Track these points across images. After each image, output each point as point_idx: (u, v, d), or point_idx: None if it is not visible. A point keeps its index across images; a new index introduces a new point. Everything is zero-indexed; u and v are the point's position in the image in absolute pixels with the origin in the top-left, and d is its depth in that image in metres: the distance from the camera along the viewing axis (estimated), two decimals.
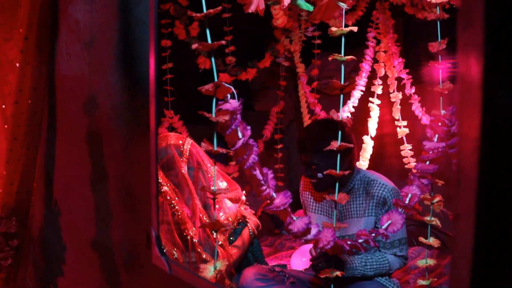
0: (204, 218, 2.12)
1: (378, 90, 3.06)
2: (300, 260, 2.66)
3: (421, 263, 1.59)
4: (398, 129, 2.99)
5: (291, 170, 4.03)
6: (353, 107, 3.09)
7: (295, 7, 2.87)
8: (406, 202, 1.54)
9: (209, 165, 2.24)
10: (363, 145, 3.12)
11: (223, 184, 2.30)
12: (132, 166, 1.56)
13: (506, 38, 0.68)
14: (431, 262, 1.58)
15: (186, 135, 2.72)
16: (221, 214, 2.21)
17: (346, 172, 1.37)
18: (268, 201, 1.27)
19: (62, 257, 2.02)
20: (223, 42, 1.13)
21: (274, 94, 3.56)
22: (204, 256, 2.07)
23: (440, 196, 1.55)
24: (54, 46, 1.90)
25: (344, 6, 1.27)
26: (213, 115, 1.10)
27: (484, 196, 0.68)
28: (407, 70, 2.88)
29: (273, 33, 3.28)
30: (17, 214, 1.98)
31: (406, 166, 2.93)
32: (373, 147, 3.13)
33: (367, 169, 3.03)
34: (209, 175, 2.21)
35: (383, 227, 1.50)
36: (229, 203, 2.30)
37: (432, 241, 1.55)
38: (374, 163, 3.24)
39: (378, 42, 3.06)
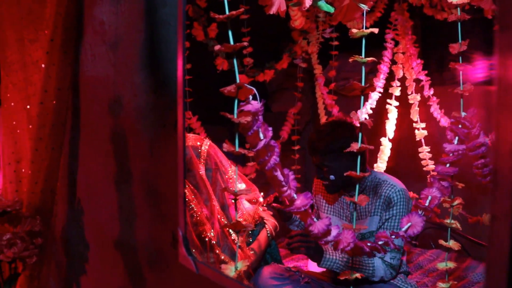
0: (222, 220, 2.13)
1: (396, 91, 3.04)
2: None
3: (441, 265, 1.58)
4: (416, 131, 2.97)
5: (308, 172, 4.03)
6: (371, 108, 3.09)
7: (313, 8, 2.87)
8: (426, 204, 1.53)
9: (227, 166, 2.25)
10: (381, 147, 3.11)
11: (241, 186, 2.31)
12: (157, 166, 1.58)
13: None
14: (451, 265, 1.57)
15: (204, 136, 2.73)
16: (239, 215, 2.22)
17: (366, 174, 1.36)
18: (288, 203, 1.27)
19: (85, 256, 2.04)
20: (245, 43, 1.13)
21: (291, 95, 3.56)
22: (222, 257, 2.08)
23: (460, 199, 1.54)
24: (79, 47, 1.92)
25: (365, 7, 1.26)
26: (235, 116, 1.10)
27: None
28: (426, 72, 2.86)
29: (291, 34, 3.28)
30: (41, 213, 2.01)
31: (424, 169, 2.91)
32: (391, 149, 3.12)
33: (384, 171, 3.03)
34: (227, 176, 2.22)
35: (403, 229, 1.49)
36: (246, 204, 2.31)
37: (452, 244, 1.54)
38: (392, 164, 3.23)
39: (396, 44, 3.05)
